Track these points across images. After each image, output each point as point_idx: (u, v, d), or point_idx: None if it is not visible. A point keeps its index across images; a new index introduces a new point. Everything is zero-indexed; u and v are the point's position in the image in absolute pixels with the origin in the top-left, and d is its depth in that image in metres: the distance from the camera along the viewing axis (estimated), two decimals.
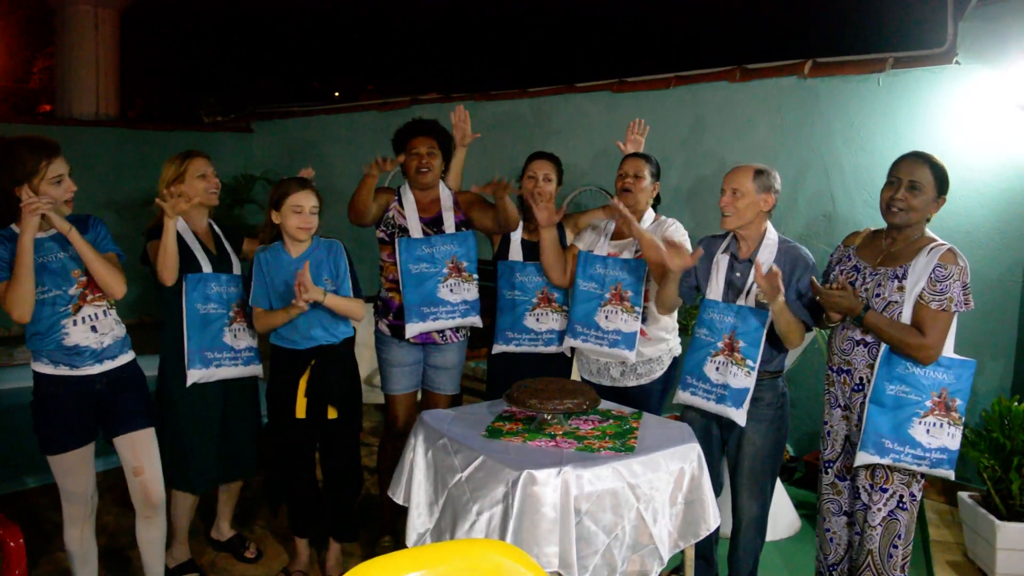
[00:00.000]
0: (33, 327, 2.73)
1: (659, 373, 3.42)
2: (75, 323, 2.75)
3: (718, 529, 2.86)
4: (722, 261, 3.03)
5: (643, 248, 3.21)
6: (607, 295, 3.34)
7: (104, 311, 2.82)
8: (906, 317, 2.62)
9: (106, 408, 2.85)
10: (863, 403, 2.73)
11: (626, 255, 3.37)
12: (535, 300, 3.54)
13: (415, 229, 3.46)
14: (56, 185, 2.68)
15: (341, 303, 3.11)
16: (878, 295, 2.69)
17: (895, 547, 2.73)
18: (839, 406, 2.86)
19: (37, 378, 2.80)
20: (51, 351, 2.74)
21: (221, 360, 3.24)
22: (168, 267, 3.05)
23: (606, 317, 3.33)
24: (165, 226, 3.06)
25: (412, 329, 3.44)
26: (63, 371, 2.76)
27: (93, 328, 2.78)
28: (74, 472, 2.81)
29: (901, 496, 2.72)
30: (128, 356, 2.93)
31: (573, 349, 3.59)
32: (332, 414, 3.18)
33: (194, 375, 3.18)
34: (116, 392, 2.85)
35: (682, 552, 2.80)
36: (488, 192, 3.38)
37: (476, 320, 3.55)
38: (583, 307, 3.39)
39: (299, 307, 2.96)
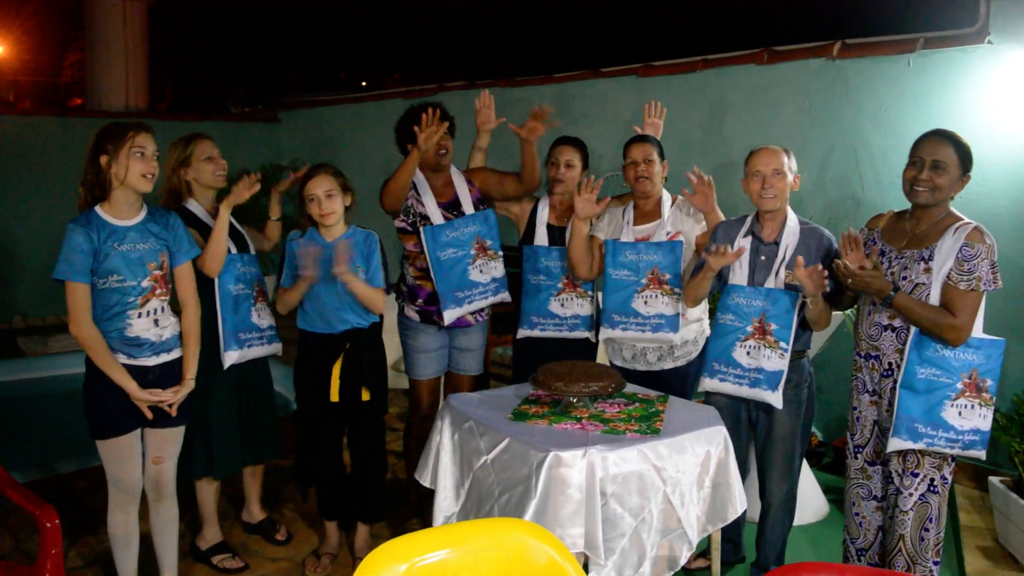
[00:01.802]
0: (97, 313, 2.71)
1: (695, 354, 3.38)
2: (140, 315, 2.74)
3: (745, 512, 2.85)
4: (744, 245, 2.99)
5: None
6: (643, 280, 3.28)
7: (165, 306, 2.82)
8: (934, 299, 2.59)
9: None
10: (893, 388, 2.70)
11: (655, 239, 3.31)
12: (560, 285, 3.53)
13: (435, 215, 3.47)
14: (139, 159, 2.73)
15: (366, 291, 3.12)
16: (905, 278, 2.65)
17: (927, 531, 2.70)
18: (868, 391, 2.83)
19: (92, 363, 2.77)
20: (112, 339, 2.73)
21: (251, 340, 3.27)
22: (217, 257, 3.06)
23: (645, 302, 3.27)
24: (220, 215, 3.07)
25: (450, 315, 3.45)
26: (120, 359, 2.75)
27: (155, 322, 2.78)
28: (123, 457, 2.81)
29: (932, 479, 2.69)
30: (180, 351, 2.92)
31: (598, 334, 3.58)
32: (365, 396, 3.21)
33: (231, 357, 3.19)
34: (166, 386, 2.84)
35: (708, 536, 2.80)
36: (522, 133, 3.39)
37: (506, 295, 3.60)
38: (617, 296, 3.31)
39: (307, 278, 3.00)
